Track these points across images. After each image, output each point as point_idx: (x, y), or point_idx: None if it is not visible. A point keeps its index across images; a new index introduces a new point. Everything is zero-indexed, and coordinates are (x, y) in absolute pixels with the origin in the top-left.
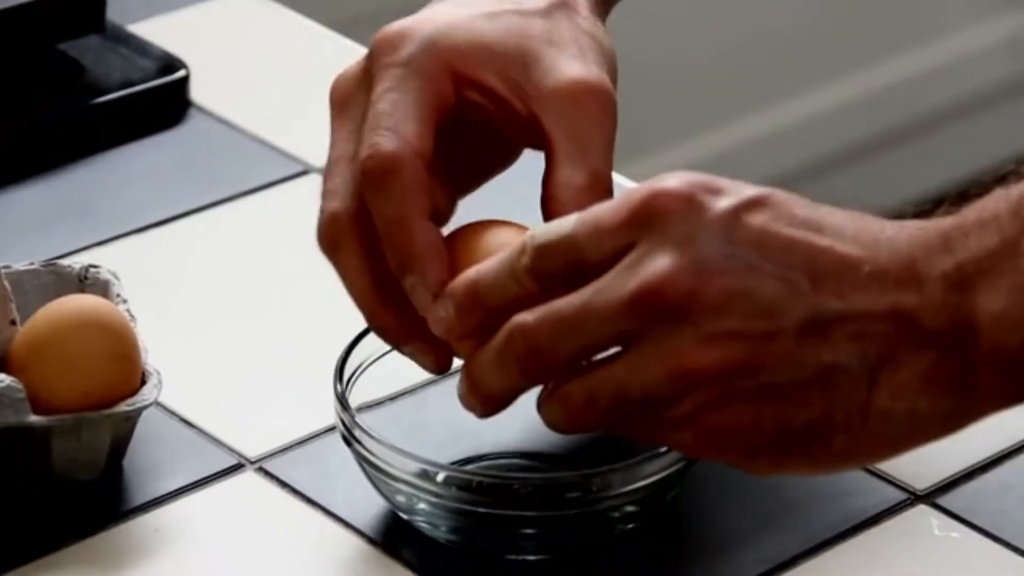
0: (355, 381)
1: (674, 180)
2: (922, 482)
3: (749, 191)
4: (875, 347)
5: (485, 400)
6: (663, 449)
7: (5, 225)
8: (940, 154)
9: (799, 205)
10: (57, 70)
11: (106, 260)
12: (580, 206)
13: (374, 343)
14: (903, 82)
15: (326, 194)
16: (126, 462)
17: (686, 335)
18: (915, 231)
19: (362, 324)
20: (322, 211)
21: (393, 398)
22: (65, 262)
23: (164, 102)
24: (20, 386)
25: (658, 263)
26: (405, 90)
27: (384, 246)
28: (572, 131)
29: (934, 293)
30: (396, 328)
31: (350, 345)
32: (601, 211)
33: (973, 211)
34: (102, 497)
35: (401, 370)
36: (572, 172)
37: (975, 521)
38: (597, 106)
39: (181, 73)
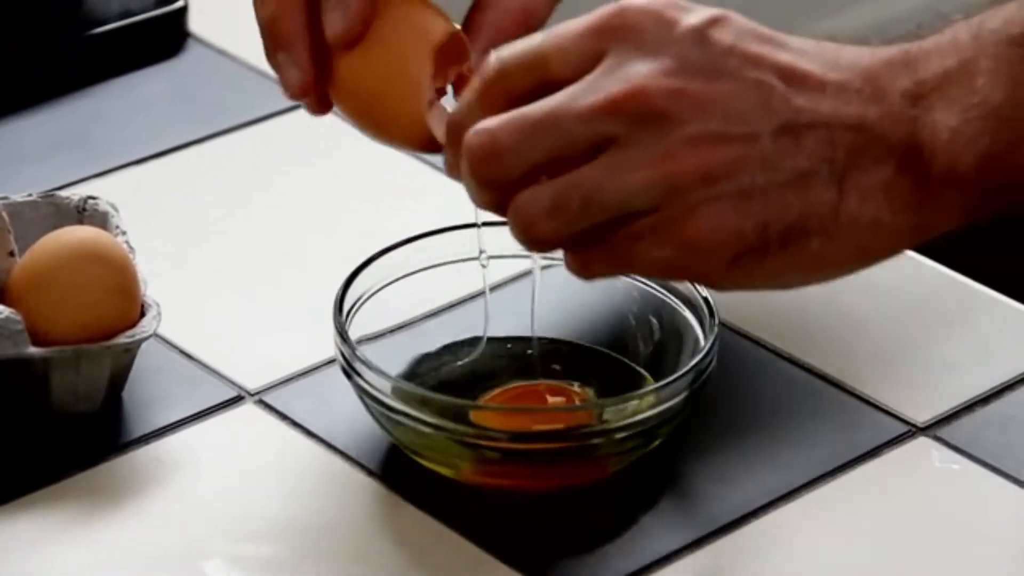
0: (355, 313)
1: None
2: (923, 414)
3: (712, 10)
4: (843, 154)
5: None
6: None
7: (3, 156)
8: None
9: (760, 27)
10: (55, 1)
11: (105, 192)
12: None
13: (375, 275)
14: (899, 17)
15: None
16: (125, 394)
17: (670, 138)
18: (876, 51)
19: (362, 256)
20: None
21: (393, 330)
22: (64, 193)
23: (162, 33)
24: (19, 318)
25: (640, 67)
26: None
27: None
28: None
29: (894, 106)
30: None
31: (350, 277)
32: (568, 24)
33: (934, 37)
34: (102, 429)
35: (401, 302)
36: None
37: (975, 453)
38: None
39: (179, 3)
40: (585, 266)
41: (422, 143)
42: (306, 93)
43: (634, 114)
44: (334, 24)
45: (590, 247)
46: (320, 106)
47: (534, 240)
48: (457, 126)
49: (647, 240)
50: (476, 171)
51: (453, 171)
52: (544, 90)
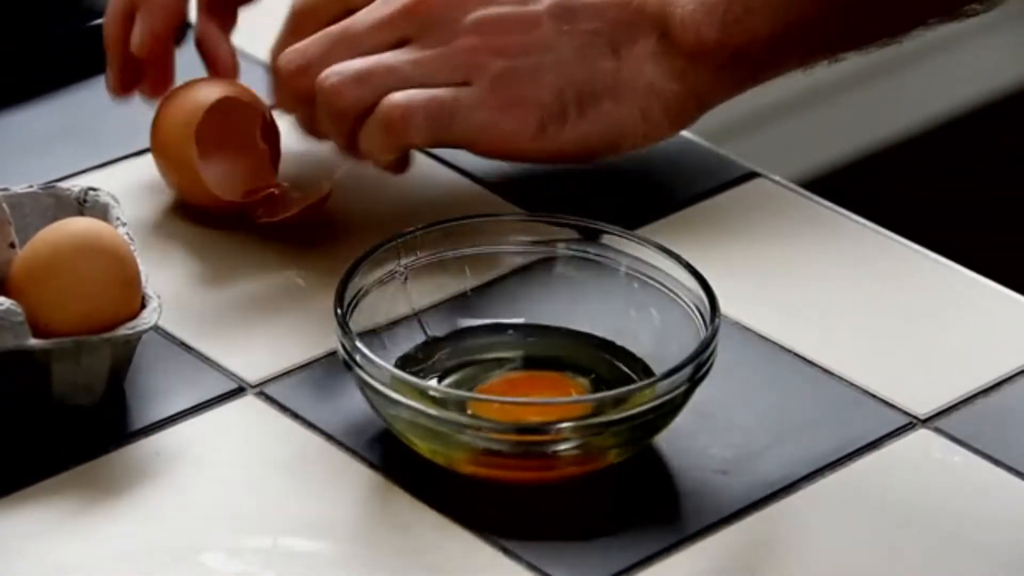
0: (356, 305)
1: None
2: (924, 407)
3: None
4: (612, 28)
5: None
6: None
7: (4, 148)
8: (933, 83)
9: None
10: None
11: (106, 183)
12: None
13: (376, 267)
14: None
15: None
16: (126, 386)
17: (457, 28)
18: None
19: (363, 249)
20: None
21: (393, 322)
22: (64, 185)
23: None
24: (20, 309)
25: None
26: None
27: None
28: None
29: None
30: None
31: (351, 269)
32: None
33: None
34: (102, 421)
35: (402, 294)
36: None
37: (977, 445)
38: None
39: None
40: (403, 131)
41: (197, 196)
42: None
43: (422, 16)
44: (132, 40)
45: (409, 115)
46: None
47: (338, 110)
48: (277, 59)
49: (461, 107)
50: (289, 85)
51: (282, 104)
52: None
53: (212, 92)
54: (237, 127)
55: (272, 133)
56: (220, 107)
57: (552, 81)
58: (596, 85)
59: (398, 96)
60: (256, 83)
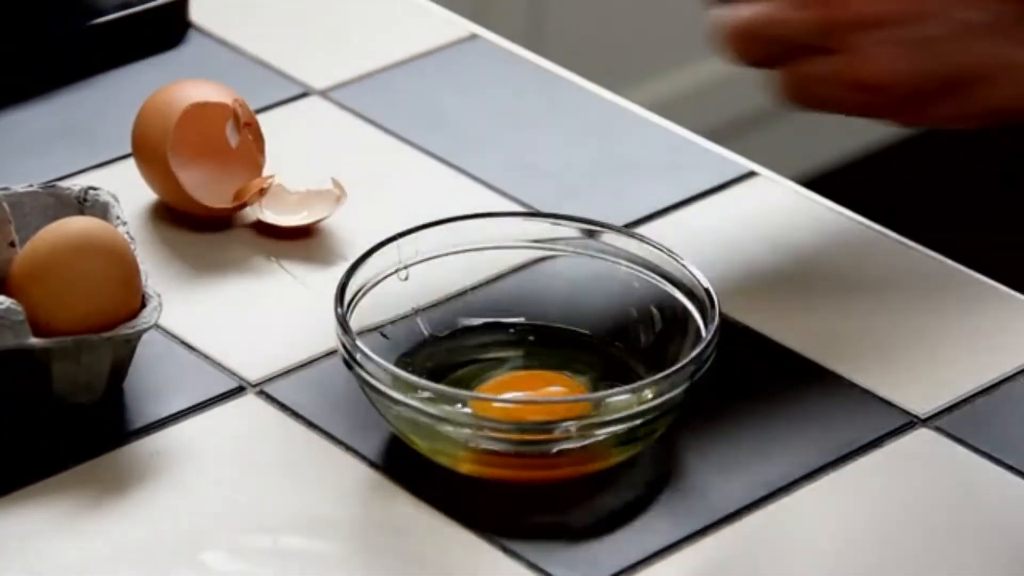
0: (356, 304)
1: None
2: (924, 405)
3: None
4: (1014, 7)
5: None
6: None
7: (4, 147)
8: None
9: None
10: None
11: (106, 182)
12: None
13: (376, 266)
14: None
15: None
16: (126, 385)
17: None
18: None
19: (364, 247)
20: None
21: (394, 321)
22: (64, 184)
23: (164, 23)
24: (20, 308)
25: None
26: None
27: None
28: None
29: None
30: None
31: (351, 268)
32: None
33: None
34: (102, 420)
35: (402, 293)
36: None
37: (977, 444)
38: None
39: None
40: (784, 94)
41: (190, 208)
42: None
43: None
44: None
45: (784, 78)
46: None
47: (732, 53)
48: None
49: (819, 78)
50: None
51: None
52: None
53: (177, 104)
54: (215, 130)
55: (252, 128)
56: (191, 116)
57: (928, 58)
58: (978, 66)
59: (780, 75)
60: (246, 80)
